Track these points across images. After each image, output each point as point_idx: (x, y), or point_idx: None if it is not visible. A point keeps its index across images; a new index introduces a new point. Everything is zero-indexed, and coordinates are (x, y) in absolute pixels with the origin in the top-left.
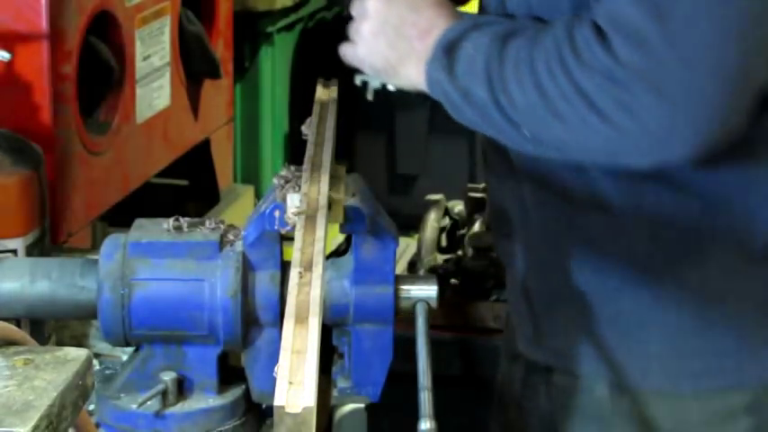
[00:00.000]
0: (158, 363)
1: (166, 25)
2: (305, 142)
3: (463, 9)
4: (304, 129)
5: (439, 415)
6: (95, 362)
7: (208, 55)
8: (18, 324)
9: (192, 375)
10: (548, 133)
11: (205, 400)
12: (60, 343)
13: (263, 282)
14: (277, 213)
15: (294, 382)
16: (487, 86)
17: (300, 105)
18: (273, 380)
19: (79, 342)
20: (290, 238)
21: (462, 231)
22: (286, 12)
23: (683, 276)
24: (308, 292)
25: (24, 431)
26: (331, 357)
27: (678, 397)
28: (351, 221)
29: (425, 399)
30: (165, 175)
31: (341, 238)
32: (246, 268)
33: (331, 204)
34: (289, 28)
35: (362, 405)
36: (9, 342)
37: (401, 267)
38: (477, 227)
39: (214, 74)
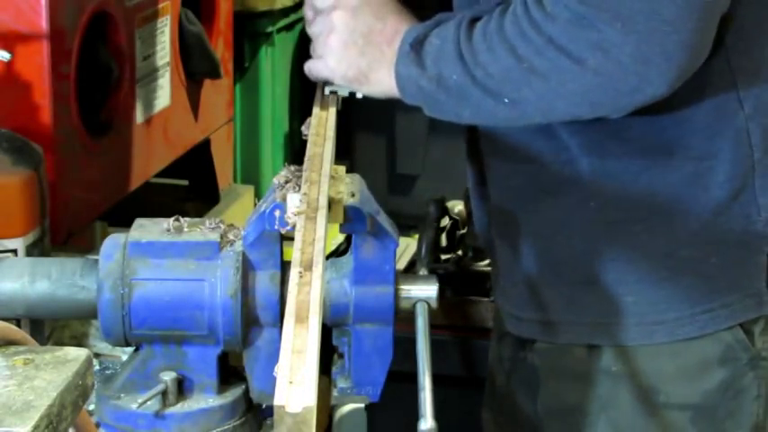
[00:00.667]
0: (158, 363)
1: (166, 25)
2: (305, 142)
3: None
4: (304, 129)
5: (439, 415)
6: (95, 362)
7: (208, 55)
8: (18, 324)
9: (192, 375)
10: (528, 93)
11: (205, 400)
12: (60, 343)
13: (263, 282)
14: (277, 213)
15: (294, 382)
16: (461, 66)
17: (300, 105)
18: (273, 380)
19: (79, 342)
20: (290, 238)
21: (462, 231)
22: (286, 12)
23: (653, 231)
24: (308, 292)
25: (24, 431)
26: (331, 357)
27: (654, 350)
28: (351, 221)
29: (425, 399)
30: (165, 175)
31: (341, 238)
32: (246, 268)
33: (331, 204)
34: (289, 28)
35: (362, 405)
36: (9, 342)
37: (401, 267)
38: None
39: (214, 74)
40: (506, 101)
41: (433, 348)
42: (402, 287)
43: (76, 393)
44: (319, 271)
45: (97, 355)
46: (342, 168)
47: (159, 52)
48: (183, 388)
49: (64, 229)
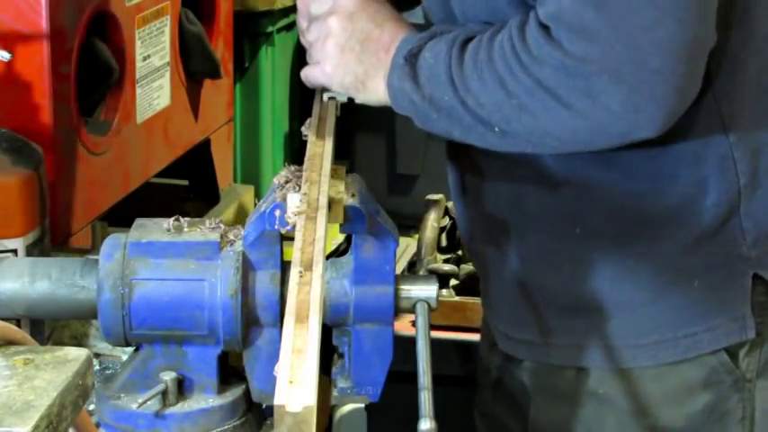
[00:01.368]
0: (158, 363)
1: (166, 25)
2: (305, 142)
3: None
4: (304, 129)
5: (439, 415)
6: (95, 362)
7: (208, 55)
8: (18, 324)
9: (192, 375)
10: (518, 127)
11: (205, 400)
12: (60, 343)
13: (263, 282)
14: (277, 213)
15: (294, 382)
16: (452, 90)
17: (300, 105)
18: (273, 380)
19: (79, 342)
20: (290, 238)
21: None
22: (286, 12)
23: (638, 257)
24: (309, 292)
25: (24, 431)
26: (331, 357)
27: (639, 373)
28: (351, 221)
29: (425, 399)
30: (165, 175)
31: (341, 238)
32: (246, 268)
33: (331, 204)
34: (289, 28)
35: (362, 405)
36: (9, 342)
37: (401, 267)
38: None
39: (214, 74)
40: (497, 130)
41: (433, 348)
42: (402, 287)
43: (76, 393)
44: (319, 271)
45: (97, 355)
46: (342, 168)
47: (159, 52)
48: (183, 388)
49: (64, 229)
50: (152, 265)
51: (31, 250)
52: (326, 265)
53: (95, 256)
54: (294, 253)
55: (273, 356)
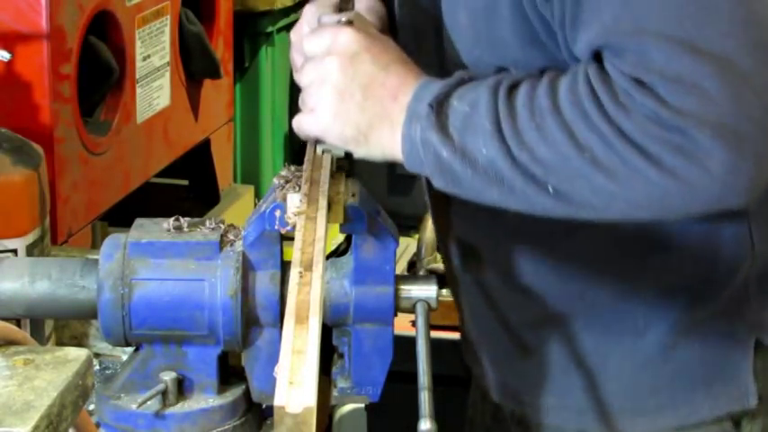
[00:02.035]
0: (158, 363)
1: (166, 25)
2: (305, 142)
3: None
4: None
5: (439, 415)
6: (95, 362)
7: (208, 55)
8: (18, 324)
9: (192, 375)
10: (582, 186)
11: (205, 400)
12: (60, 343)
13: (263, 282)
14: (277, 213)
15: (294, 382)
16: (497, 143)
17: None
18: (273, 380)
19: (79, 342)
20: (290, 238)
21: None
22: (286, 12)
23: (636, 321)
24: (309, 292)
25: (24, 431)
26: (331, 357)
27: None
28: (351, 221)
29: (425, 399)
30: (165, 175)
31: (341, 238)
32: (246, 268)
33: (331, 204)
34: (289, 28)
35: (362, 405)
36: (9, 342)
37: (401, 267)
38: None
39: (214, 74)
40: (551, 190)
41: (433, 348)
42: (402, 287)
43: (76, 393)
44: (319, 271)
45: (97, 355)
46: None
47: (159, 52)
48: (183, 388)
49: (64, 229)
50: (152, 265)
51: (31, 250)
52: (326, 266)
53: (95, 256)
54: (294, 253)
55: (273, 357)
